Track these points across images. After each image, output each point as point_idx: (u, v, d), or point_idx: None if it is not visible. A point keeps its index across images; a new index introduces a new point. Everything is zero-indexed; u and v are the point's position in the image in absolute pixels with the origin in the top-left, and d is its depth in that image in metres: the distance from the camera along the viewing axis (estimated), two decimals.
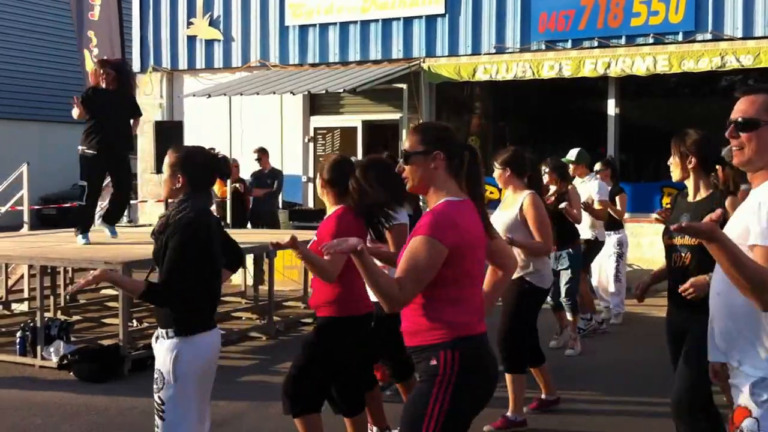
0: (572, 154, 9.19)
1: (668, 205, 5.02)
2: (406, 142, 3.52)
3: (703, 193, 4.50)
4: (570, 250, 8.23)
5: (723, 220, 3.45)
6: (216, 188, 13.87)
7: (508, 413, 6.03)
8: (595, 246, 9.16)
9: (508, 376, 6.02)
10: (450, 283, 3.32)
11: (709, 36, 11.48)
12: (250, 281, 11.00)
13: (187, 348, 3.98)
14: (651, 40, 11.80)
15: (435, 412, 3.29)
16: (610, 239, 9.57)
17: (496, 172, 6.14)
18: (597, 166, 9.65)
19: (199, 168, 4.08)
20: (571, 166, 9.01)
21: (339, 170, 4.85)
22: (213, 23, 15.03)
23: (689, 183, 4.55)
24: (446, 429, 3.29)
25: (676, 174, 4.58)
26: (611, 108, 12.55)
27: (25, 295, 10.69)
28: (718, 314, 2.96)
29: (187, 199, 4.04)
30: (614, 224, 9.56)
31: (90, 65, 14.79)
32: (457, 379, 3.30)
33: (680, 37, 11.67)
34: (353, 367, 5.04)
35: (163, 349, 3.99)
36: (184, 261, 3.93)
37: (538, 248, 5.97)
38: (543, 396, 6.50)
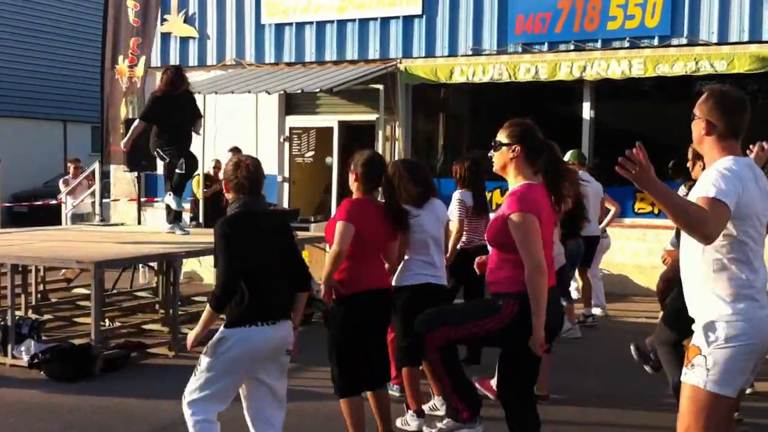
0: (567, 155, 9.33)
1: None
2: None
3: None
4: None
5: None
6: (194, 186, 13.79)
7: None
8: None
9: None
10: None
11: (684, 41, 11.55)
12: None
13: (226, 336, 4.41)
14: (627, 44, 11.87)
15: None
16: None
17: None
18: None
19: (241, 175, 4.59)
20: None
21: (372, 166, 5.25)
22: (188, 20, 14.93)
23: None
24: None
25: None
26: (586, 111, 12.60)
27: None
28: (684, 280, 3.60)
29: (234, 201, 4.58)
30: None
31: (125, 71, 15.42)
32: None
33: (656, 42, 11.73)
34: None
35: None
36: (216, 257, 4.44)
37: None
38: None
